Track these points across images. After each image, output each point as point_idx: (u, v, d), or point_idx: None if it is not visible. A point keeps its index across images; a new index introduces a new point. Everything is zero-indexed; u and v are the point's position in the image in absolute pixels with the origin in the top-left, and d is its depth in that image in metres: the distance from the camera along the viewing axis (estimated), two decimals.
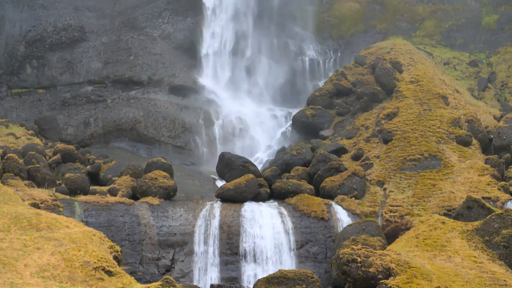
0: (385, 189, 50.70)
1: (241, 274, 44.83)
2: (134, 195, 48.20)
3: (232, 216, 46.43)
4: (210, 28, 74.14)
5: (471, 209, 44.00)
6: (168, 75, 70.05)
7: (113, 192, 47.43)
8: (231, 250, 45.36)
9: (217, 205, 47.39)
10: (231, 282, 44.71)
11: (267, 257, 45.18)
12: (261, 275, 43.18)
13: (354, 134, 59.63)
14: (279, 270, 39.52)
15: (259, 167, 57.52)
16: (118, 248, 36.25)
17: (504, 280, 36.82)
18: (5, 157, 47.26)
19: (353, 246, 39.10)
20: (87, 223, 42.59)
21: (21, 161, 47.66)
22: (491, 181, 49.53)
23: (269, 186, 50.94)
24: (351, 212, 47.78)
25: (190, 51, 71.98)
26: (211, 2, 75.24)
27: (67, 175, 48.05)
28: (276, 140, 67.06)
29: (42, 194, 44.60)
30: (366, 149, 55.94)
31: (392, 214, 47.47)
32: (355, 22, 79.82)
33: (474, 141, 55.14)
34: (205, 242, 45.52)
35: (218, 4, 75.78)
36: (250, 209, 47.08)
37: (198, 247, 45.43)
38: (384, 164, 53.07)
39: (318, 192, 50.81)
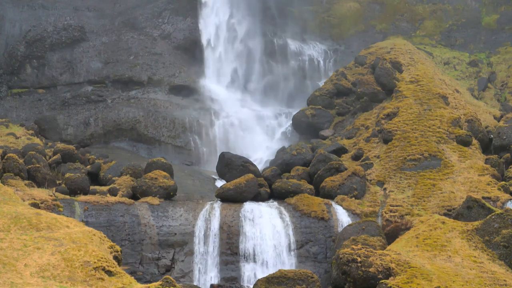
0: (385, 189, 50.70)
1: (241, 274, 44.84)
2: (134, 195, 48.19)
3: (232, 216, 46.43)
4: (210, 28, 74.12)
5: (471, 209, 44.01)
6: (168, 75, 70.05)
7: (113, 192, 47.44)
8: (231, 250, 45.37)
9: (217, 205, 47.40)
10: (231, 282, 44.72)
11: (267, 257, 45.19)
12: (261, 275, 43.18)
13: (354, 134, 59.63)
14: (279, 270, 39.52)
15: (259, 167, 57.52)
16: (118, 248, 36.23)
17: (504, 280, 36.82)
18: (5, 157, 47.26)
19: (353, 246, 39.10)
20: (87, 223, 42.58)
21: (21, 161, 47.67)
22: (491, 181, 49.54)
23: (269, 186, 50.95)
24: (351, 212, 47.78)
25: (190, 51, 71.98)
26: (211, 2, 75.23)
27: (67, 175, 48.05)
28: (276, 140, 67.03)
29: (42, 194, 44.59)
30: (366, 149, 55.95)
31: (392, 214, 47.48)
32: (355, 22, 79.82)
33: (474, 141, 55.15)
34: (205, 242, 45.53)
35: (218, 4, 75.76)
36: (250, 209, 47.10)
37: (198, 247, 45.44)
38: (384, 164, 53.08)
39: (318, 192, 50.81)
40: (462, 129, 55.84)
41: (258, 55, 74.51)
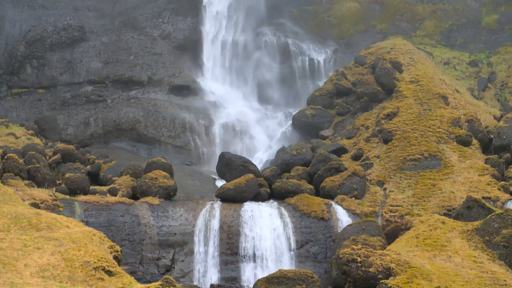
0: (385, 189, 50.70)
1: (241, 274, 44.84)
2: (134, 195, 48.19)
3: (232, 216, 46.43)
4: (210, 28, 74.14)
5: (471, 209, 44.00)
6: (168, 75, 70.06)
7: (113, 192, 47.44)
8: (231, 250, 45.36)
9: (217, 205, 47.39)
10: (231, 282, 44.72)
11: (267, 257, 45.19)
12: (261, 275, 43.19)
13: (354, 134, 59.62)
14: (279, 270, 39.52)
15: (259, 167, 57.54)
16: (118, 248, 36.23)
17: (504, 280, 36.82)
18: (5, 157, 47.26)
19: (353, 246, 39.10)
20: (87, 223, 42.58)
21: (21, 161, 47.67)
22: (491, 181, 49.54)
23: (269, 186, 50.94)
24: (351, 212, 47.78)
25: (190, 51, 71.99)
26: (211, 2, 75.24)
27: (67, 175, 48.05)
28: (276, 140, 67.05)
29: (42, 194, 44.59)
30: (366, 149, 55.95)
31: (392, 214, 47.47)
32: (355, 22, 79.83)
33: (474, 141, 55.14)
34: (205, 242, 45.52)
35: (218, 4, 75.78)
36: (250, 209, 47.09)
37: (198, 247, 45.44)
38: (384, 164, 53.07)
39: (318, 192, 50.81)
40: (462, 129, 55.83)
41: (258, 55, 74.50)
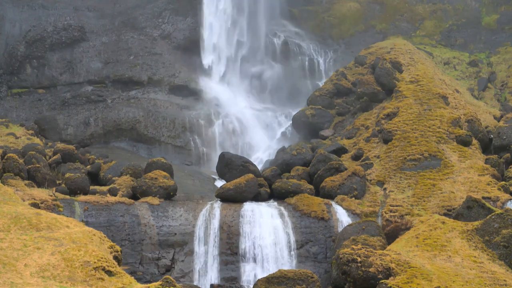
0: (385, 189, 50.70)
1: (241, 274, 44.84)
2: (134, 195, 48.19)
3: (232, 216, 46.43)
4: (209, 28, 74.15)
5: (471, 209, 44.01)
6: (168, 75, 70.08)
7: (113, 192, 47.44)
8: (231, 250, 45.37)
9: (217, 205, 47.39)
10: (231, 282, 44.72)
11: (267, 257, 45.18)
12: (261, 275, 43.18)
13: (354, 134, 59.63)
14: (279, 270, 39.52)
15: (259, 167, 57.53)
16: (118, 248, 36.23)
17: (504, 280, 36.82)
18: (5, 157, 47.27)
19: (353, 246, 39.10)
20: (87, 223, 42.58)
21: (21, 161, 47.67)
22: (491, 181, 49.53)
23: (269, 186, 50.95)
24: (351, 212, 47.78)
25: (190, 51, 71.98)
26: (211, 3, 75.26)
27: (67, 175, 48.05)
28: (276, 140, 67.04)
29: (42, 194, 44.59)
30: (366, 149, 55.95)
31: (392, 214, 47.48)
32: (355, 22, 79.85)
33: (474, 141, 55.15)
34: (205, 242, 45.53)
35: (218, 5, 75.79)
36: (250, 209, 47.09)
37: (198, 247, 45.44)
38: (384, 164, 53.08)
39: (318, 192, 50.81)
40: (462, 129, 55.84)
41: (258, 55, 74.53)
